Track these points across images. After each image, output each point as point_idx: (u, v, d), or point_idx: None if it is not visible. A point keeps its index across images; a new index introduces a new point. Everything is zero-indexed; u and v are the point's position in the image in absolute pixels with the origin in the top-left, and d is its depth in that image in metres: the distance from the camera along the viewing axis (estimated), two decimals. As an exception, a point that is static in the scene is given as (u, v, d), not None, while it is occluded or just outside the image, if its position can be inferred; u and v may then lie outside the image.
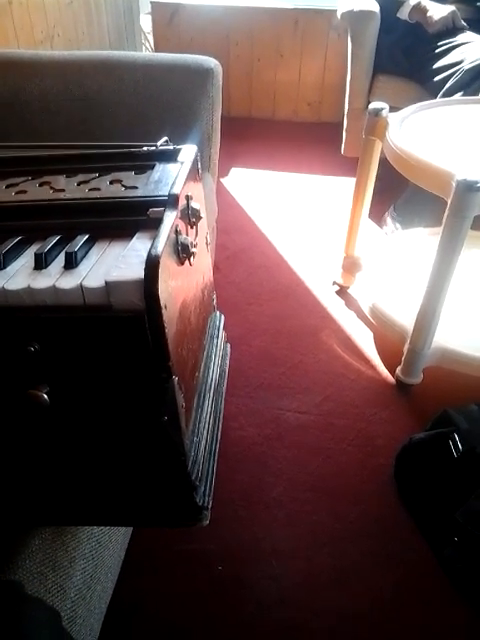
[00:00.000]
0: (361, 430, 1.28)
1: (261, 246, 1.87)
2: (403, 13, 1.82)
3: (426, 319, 1.24)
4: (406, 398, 1.34)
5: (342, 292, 1.66)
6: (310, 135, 2.52)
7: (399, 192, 1.86)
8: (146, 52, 2.79)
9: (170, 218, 0.51)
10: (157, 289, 0.44)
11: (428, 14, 1.75)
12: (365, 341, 1.51)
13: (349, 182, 1.51)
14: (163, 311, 0.45)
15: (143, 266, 0.44)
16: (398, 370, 1.35)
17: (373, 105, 1.39)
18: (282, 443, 1.25)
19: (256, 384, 1.39)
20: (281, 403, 1.34)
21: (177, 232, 0.52)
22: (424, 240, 1.66)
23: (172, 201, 0.53)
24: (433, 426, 1.16)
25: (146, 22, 2.69)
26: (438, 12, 1.74)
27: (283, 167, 2.30)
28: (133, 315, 0.45)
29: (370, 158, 1.45)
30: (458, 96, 1.61)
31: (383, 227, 1.90)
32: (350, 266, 1.62)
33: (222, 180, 2.20)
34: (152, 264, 0.44)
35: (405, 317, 1.36)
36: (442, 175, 1.12)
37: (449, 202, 1.11)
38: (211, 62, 1.16)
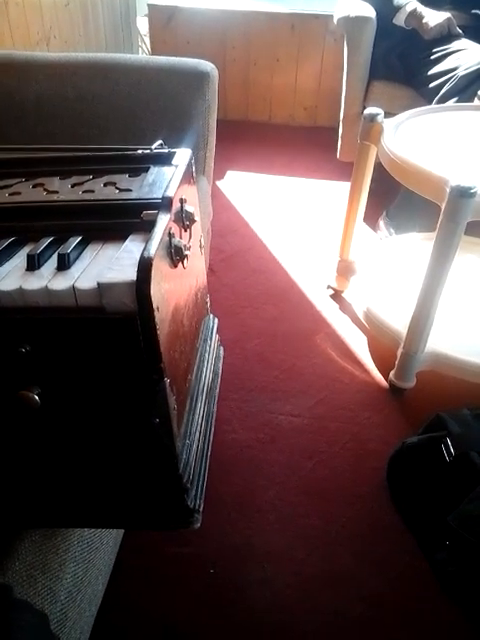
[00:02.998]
0: (354, 434, 1.28)
1: (256, 249, 1.87)
2: (399, 19, 1.83)
3: (420, 323, 1.25)
4: (399, 402, 1.35)
5: (336, 296, 1.67)
6: (306, 139, 2.53)
7: (393, 197, 1.87)
8: (143, 54, 2.79)
9: (163, 221, 0.51)
10: (149, 291, 0.44)
11: (424, 21, 1.76)
12: (359, 345, 1.51)
13: (344, 186, 1.51)
14: (155, 313, 0.45)
15: (136, 268, 0.44)
16: (391, 374, 1.35)
17: (368, 111, 1.39)
18: (275, 446, 1.25)
19: (250, 387, 1.39)
20: (275, 406, 1.34)
21: (170, 235, 0.52)
22: (417, 245, 1.67)
23: (166, 204, 0.53)
24: (426, 430, 1.17)
25: (143, 24, 2.70)
26: (434, 19, 1.75)
27: (279, 171, 2.30)
28: (125, 317, 0.45)
29: (365, 163, 1.45)
30: (453, 102, 1.62)
31: (377, 232, 1.91)
32: (344, 270, 1.62)
33: (218, 183, 2.20)
34: (144, 266, 0.44)
35: (399, 321, 1.36)
36: (436, 181, 1.13)
37: (443, 208, 1.12)
38: (207, 66, 1.17)
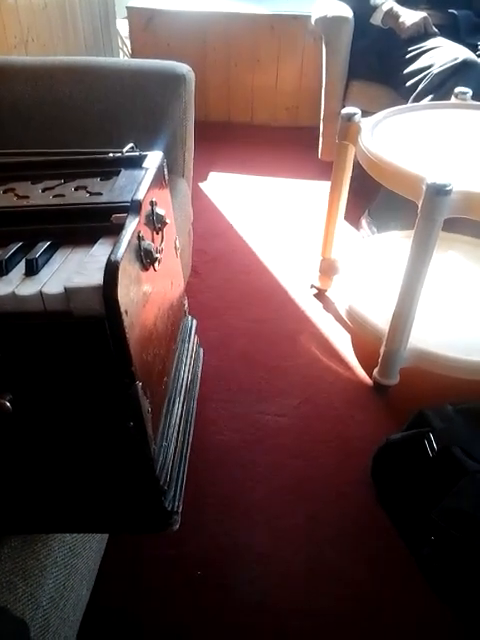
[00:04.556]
0: (339, 432, 1.29)
1: (240, 250, 1.87)
2: (376, 19, 1.85)
3: (401, 321, 1.26)
4: (383, 399, 1.35)
5: (320, 295, 1.67)
6: (288, 139, 2.54)
7: (375, 196, 1.88)
8: (123, 57, 2.78)
9: (132, 224, 0.51)
10: (117, 294, 0.44)
11: (400, 20, 1.78)
12: (343, 343, 1.52)
13: (326, 186, 1.52)
14: (124, 316, 0.45)
15: (103, 272, 0.44)
16: (375, 371, 1.36)
17: (345, 110, 1.40)
18: (262, 446, 1.25)
19: (235, 388, 1.39)
20: (260, 407, 1.34)
21: (140, 238, 0.52)
22: (398, 243, 1.68)
23: (135, 207, 0.53)
24: (409, 426, 1.18)
25: (123, 26, 2.69)
26: (410, 18, 1.77)
27: (262, 171, 2.31)
28: (94, 321, 0.45)
29: (344, 162, 1.46)
30: (428, 100, 1.63)
31: (360, 230, 1.92)
32: (327, 269, 1.63)
33: (200, 185, 2.20)
34: (111, 270, 0.44)
35: (381, 319, 1.37)
36: (413, 179, 1.14)
37: (420, 205, 1.13)
38: (183, 68, 1.17)
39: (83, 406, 0.51)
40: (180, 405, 0.67)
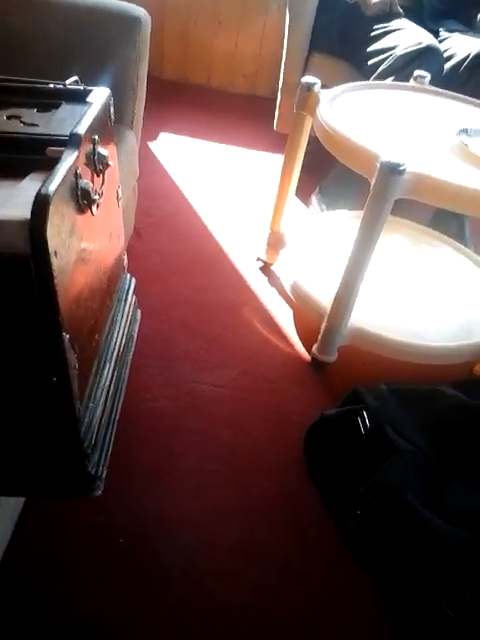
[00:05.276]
0: (275, 406, 1.28)
1: (186, 215, 1.81)
2: (342, -8, 1.81)
3: (344, 298, 1.26)
4: (320, 375, 1.36)
5: (265, 268, 1.65)
6: (244, 108, 2.47)
7: (326, 174, 1.87)
8: None
9: (70, 159, 0.46)
10: (45, 232, 0.39)
11: (366, -5, 1.75)
12: (285, 318, 1.51)
13: (279, 159, 1.49)
14: (53, 258, 0.40)
15: (31, 206, 0.39)
16: (314, 348, 1.36)
17: (305, 79, 1.37)
18: (196, 416, 1.23)
19: (174, 355, 1.35)
20: (197, 376, 1.31)
21: (77, 175, 0.47)
22: (346, 222, 1.68)
23: (74, 141, 0.48)
24: (344, 403, 1.18)
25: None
26: (376, -5, 1.74)
27: (215, 137, 2.24)
28: (18, 260, 0.40)
29: (300, 133, 1.43)
30: (390, 81, 1.62)
31: (309, 207, 1.90)
32: (275, 242, 1.61)
33: (150, 144, 2.11)
34: (41, 204, 0.39)
35: (324, 296, 1.37)
36: (367, 155, 1.12)
37: (372, 183, 1.12)
38: (139, 11, 1.09)
39: (4, 356, 0.46)
40: (111, 367, 0.63)
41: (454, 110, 1.43)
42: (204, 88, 2.56)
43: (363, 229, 1.16)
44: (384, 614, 0.96)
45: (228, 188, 1.99)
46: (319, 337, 1.34)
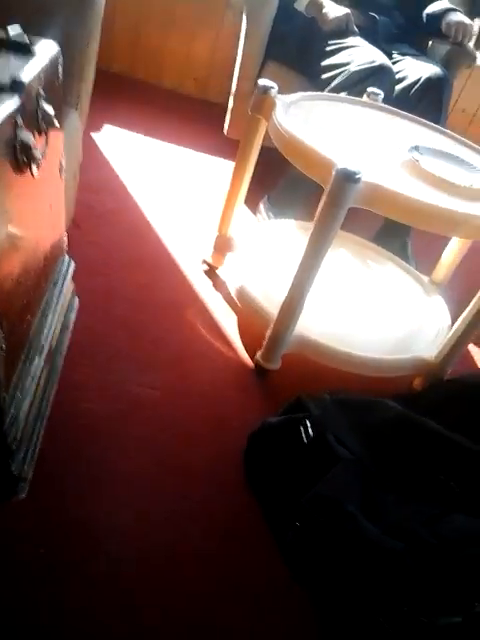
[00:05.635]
0: (216, 411, 1.24)
1: (130, 211, 1.75)
2: (300, 5, 1.82)
3: (291, 306, 1.24)
4: (263, 383, 1.33)
5: (211, 272, 1.61)
6: (195, 111, 2.44)
7: (275, 183, 1.87)
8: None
9: (8, 104, 0.40)
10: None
11: (324, 11, 1.77)
12: (229, 323, 1.47)
13: (229, 165, 1.46)
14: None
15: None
16: (258, 355, 1.33)
17: (262, 82, 1.35)
18: (133, 419, 1.16)
19: (111, 355, 1.27)
20: (136, 377, 1.24)
21: (17, 125, 0.41)
22: (293, 232, 1.68)
23: (17, 87, 0.42)
24: (286, 411, 1.16)
25: None
26: (333, 11, 1.77)
27: (163, 136, 2.18)
28: None
29: (253, 137, 1.41)
30: (342, 96, 1.64)
31: (257, 215, 1.89)
32: (221, 246, 1.57)
33: (94, 135, 2.02)
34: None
35: (270, 303, 1.35)
36: (324, 162, 1.12)
37: (327, 191, 1.11)
38: (95, -12, 1.03)
39: None
40: (44, 356, 0.57)
41: (405, 129, 1.47)
42: (154, 86, 2.50)
43: (315, 236, 1.15)
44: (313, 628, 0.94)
45: (175, 188, 1.94)
46: (264, 344, 1.32)
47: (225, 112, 2.07)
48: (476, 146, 1.44)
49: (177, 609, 0.91)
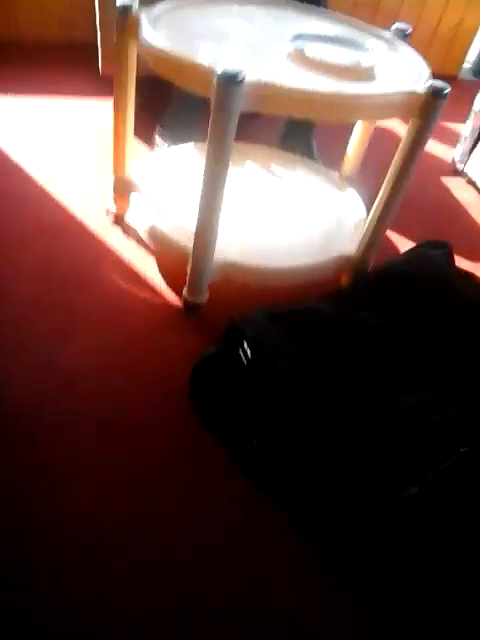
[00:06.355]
0: (154, 360, 1.19)
1: (18, 180, 1.60)
2: None
3: (205, 233, 1.18)
4: (195, 318, 1.28)
5: (118, 220, 1.51)
6: (65, 58, 2.21)
7: (165, 110, 1.75)
8: None
9: None
10: None
11: None
12: (148, 268, 1.40)
13: (111, 104, 1.34)
14: None
15: None
16: (184, 291, 1.28)
17: (120, 2, 1.22)
18: (65, 393, 1.09)
19: (27, 336, 1.18)
20: (61, 351, 1.16)
21: None
22: (194, 155, 1.59)
23: None
24: (222, 339, 1.12)
25: None
26: None
27: (35, 92, 1.99)
28: None
29: (126, 63, 1.29)
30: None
31: (154, 148, 1.78)
32: (122, 189, 1.47)
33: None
34: None
35: (184, 236, 1.28)
36: (202, 71, 1.03)
37: (213, 99, 1.03)
38: None
39: None
40: None
41: (286, 18, 1.38)
42: (12, 41, 2.25)
43: (211, 151, 1.08)
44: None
45: (61, 144, 1.79)
46: (187, 279, 1.26)
47: (96, 51, 1.90)
48: (362, 23, 1.38)
49: (147, 561, 0.88)
